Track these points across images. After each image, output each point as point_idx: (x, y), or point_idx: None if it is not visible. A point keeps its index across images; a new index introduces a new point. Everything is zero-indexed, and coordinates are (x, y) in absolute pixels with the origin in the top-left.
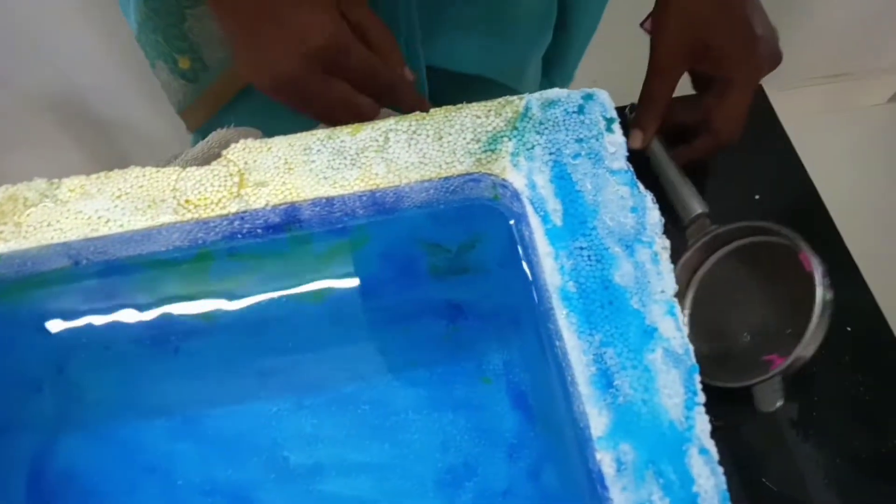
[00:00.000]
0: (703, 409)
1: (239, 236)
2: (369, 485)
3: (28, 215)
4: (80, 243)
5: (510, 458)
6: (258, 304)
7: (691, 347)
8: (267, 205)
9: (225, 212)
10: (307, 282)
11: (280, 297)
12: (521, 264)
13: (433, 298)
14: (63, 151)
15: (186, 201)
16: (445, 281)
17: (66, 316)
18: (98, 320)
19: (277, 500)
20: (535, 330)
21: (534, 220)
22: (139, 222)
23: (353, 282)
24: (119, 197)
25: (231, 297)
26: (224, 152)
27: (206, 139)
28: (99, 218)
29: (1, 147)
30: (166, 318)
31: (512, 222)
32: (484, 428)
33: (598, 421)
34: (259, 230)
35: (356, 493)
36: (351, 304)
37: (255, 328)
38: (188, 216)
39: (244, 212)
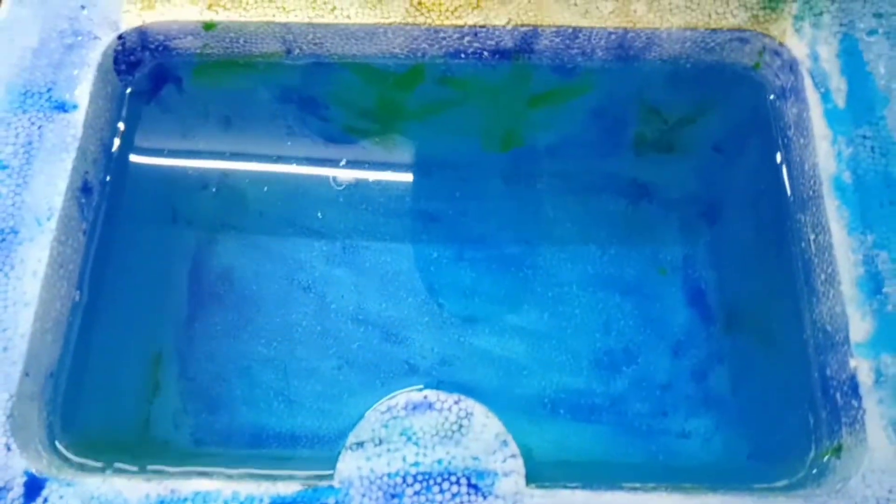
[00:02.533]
0: None
1: (462, 56)
2: (522, 349)
3: None
4: (301, 27)
5: (675, 353)
6: (440, 142)
7: None
8: (508, 23)
9: (460, 23)
10: (502, 125)
11: (465, 138)
12: (772, 145)
13: (621, 174)
14: None
15: (420, 3)
16: (643, 157)
17: (251, 113)
18: (278, 128)
19: (427, 343)
20: (751, 223)
21: (812, 97)
22: (366, 17)
23: (548, 137)
24: None
25: (419, 126)
26: None
27: None
28: (325, 4)
29: None
30: (346, 140)
31: (772, 97)
32: (651, 318)
33: (858, 326)
34: (486, 52)
35: (508, 354)
36: (534, 163)
37: (428, 168)
38: (419, 20)
39: (481, 26)
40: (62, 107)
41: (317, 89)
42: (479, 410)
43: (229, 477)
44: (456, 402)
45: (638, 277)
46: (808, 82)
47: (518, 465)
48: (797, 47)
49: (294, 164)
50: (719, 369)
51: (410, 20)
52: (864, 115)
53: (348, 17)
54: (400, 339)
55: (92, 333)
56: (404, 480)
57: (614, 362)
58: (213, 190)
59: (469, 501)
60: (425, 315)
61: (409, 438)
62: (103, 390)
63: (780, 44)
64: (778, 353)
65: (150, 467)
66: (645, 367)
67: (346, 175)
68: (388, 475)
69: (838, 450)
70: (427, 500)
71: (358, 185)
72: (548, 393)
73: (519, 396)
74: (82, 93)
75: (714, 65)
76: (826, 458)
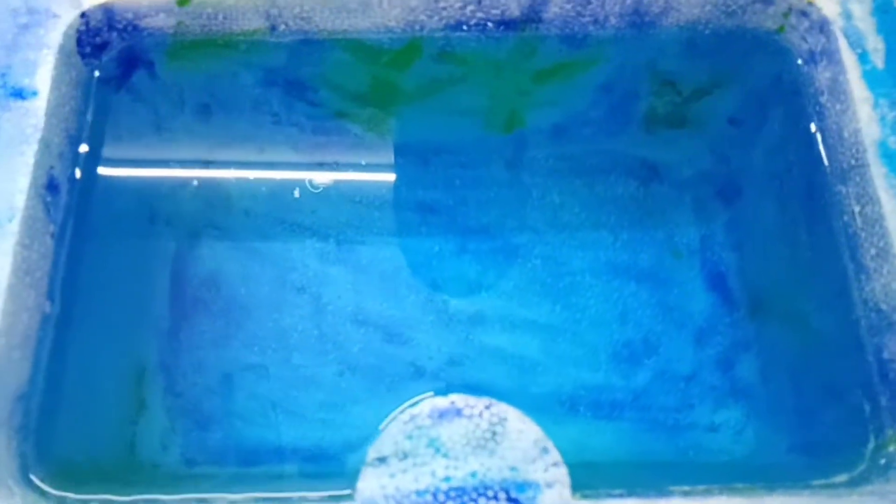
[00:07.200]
0: None
1: (464, 28)
2: (535, 345)
3: None
4: (287, 1)
5: (697, 342)
6: (438, 125)
7: None
8: None
9: None
10: (504, 105)
11: (464, 120)
12: (800, 113)
13: (629, 154)
14: None
15: None
16: (654, 134)
17: (233, 100)
18: (263, 116)
19: (433, 342)
20: (777, 200)
21: (847, 58)
22: None
23: (553, 115)
24: None
25: (415, 108)
26: None
27: None
28: None
29: None
30: (337, 126)
31: (799, 61)
32: (670, 305)
33: None
34: (491, 22)
35: (520, 350)
36: (538, 145)
37: (426, 154)
38: None
39: None
40: (19, 94)
41: (304, 70)
42: (513, 415)
43: (232, 503)
44: (487, 407)
45: (653, 263)
46: (842, 43)
47: (562, 473)
48: (827, 6)
49: (282, 156)
50: (746, 357)
51: None
52: None
53: None
54: (404, 339)
55: (67, 349)
56: (435, 497)
57: (634, 354)
58: (194, 186)
59: None
60: (429, 313)
61: (437, 450)
62: (83, 412)
63: (809, 3)
64: (815, 336)
65: (139, 496)
66: (667, 357)
67: (339, 162)
68: (417, 493)
69: None
70: None
71: (351, 176)
72: (566, 390)
73: (535, 395)
74: (42, 78)
75: (734, 30)
76: (892, 448)
